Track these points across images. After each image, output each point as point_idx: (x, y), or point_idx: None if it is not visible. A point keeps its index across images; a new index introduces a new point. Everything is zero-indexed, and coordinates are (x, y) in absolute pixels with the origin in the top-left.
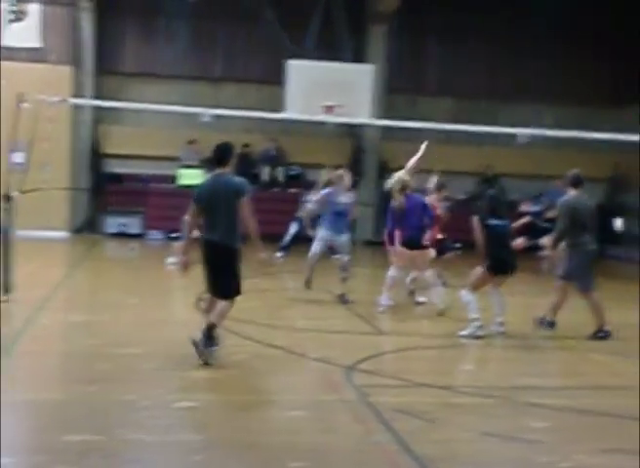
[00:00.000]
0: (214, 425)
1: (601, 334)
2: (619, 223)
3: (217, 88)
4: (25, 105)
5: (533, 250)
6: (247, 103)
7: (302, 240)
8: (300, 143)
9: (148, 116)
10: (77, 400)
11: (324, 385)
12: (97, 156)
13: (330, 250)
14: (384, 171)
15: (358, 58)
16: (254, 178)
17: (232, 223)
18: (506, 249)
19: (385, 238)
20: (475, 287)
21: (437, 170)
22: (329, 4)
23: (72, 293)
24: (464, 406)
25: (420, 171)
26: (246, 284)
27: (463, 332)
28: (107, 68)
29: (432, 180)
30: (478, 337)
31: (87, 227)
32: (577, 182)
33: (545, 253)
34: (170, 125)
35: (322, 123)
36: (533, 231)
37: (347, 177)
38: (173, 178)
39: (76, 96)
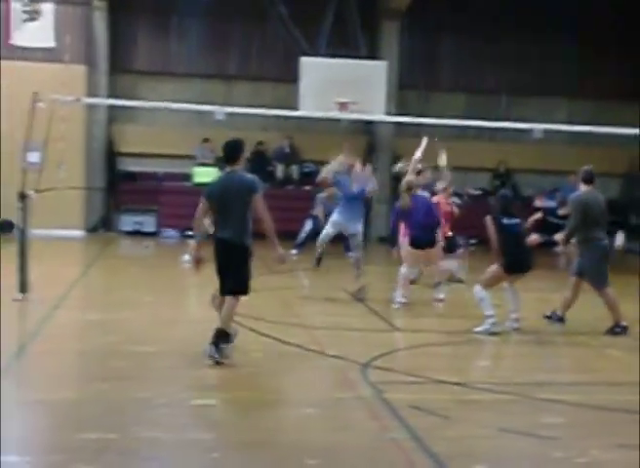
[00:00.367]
0: (229, 423)
1: (618, 330)
2: (620, 239)
3: (230, 86)
4: (40, 105)
5: (548, 246)
6: (262, 101)
7: (317, 237)
8: (315, 141)
9: (162, 114)
10: (93, 398)
11: (340, 382)
12: (111, 155)
13: (344, 245)
14: None
15: (371, 54)
16: (268, 176)
17: (244, 221)
18: (521, 247)
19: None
20: (489, 284)
21: (442, 165)
22: (341, 1)
23: (88, 292)
24: (480, 402)
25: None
26: (260, 281)
27: (478, 329)
28: (121, 67)
29: (442, 158)
30: (493, 334)
31: (102, 226)
32: (588, 178)
33: (560, 248)
34: (184, 123)
35: (336, 120)
36: (547, 227)
37: (358, 164)
38: (187, 176)
39: (90, 95)
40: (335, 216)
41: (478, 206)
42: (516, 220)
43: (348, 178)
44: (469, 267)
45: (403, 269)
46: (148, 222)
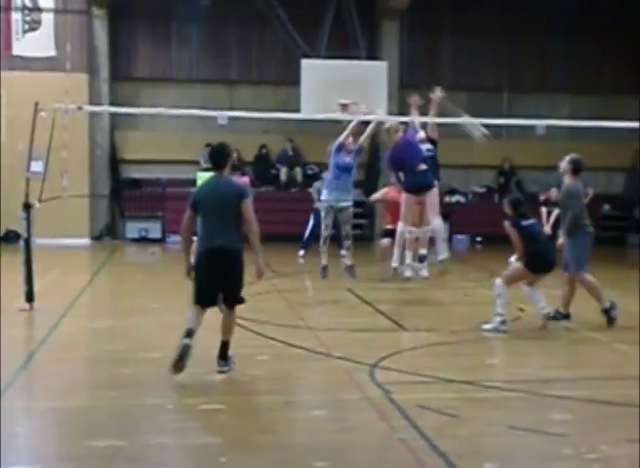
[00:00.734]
0: (237, 427)
1: (609, 313)
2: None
3: (232, 90)
4: (42, 114)
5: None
6: (264, 105)
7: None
8: (318, 143)
9: (164, 121)
10: (101, 405)
11: (347, 384)
12: (114, 162)
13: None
14: None
15: (371, 54)
16: (272, 179)
17: (235, 226)
18: (544, 245)
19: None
20: (511, 281)
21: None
22: (340, 2)
23: (94, 300)
24: (488, 400)
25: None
26: (265, 284)
27: (487, 326)
28: (122, 74)
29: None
30: (501, 332)
31: (107, 233)
32: (579, 169)
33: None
34: (186, 129)
35: (338, 121)
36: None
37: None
38: (191, 182)
39: (92, 103)
40: (325, 196)
41: (482, 203)
42: (533, 220)
43: (341, 152)
44: (476, 266)
45: (400, 227)
46: (154, 229)
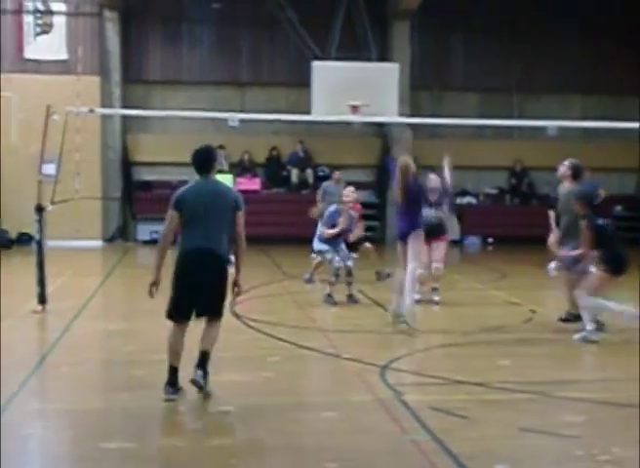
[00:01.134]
0: (248, 428)
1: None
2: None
3: (243, 92)
4: (55, 117)
5: None
6: (275, 107)
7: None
8: (329, 144)
9: (176, 123)
10: (113, 407)
11: (358, 385)
12: (126, 164)
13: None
14: None
15: (382, 55)
16: (283, 181)
17: (226, 235)
18: (620, 245)
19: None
20: (596, 293)
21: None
22: (350, 3)
23: (106, 302)
24: (500, 402)
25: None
26: (275, 287)
27: (577, 336)
28: (134, 77)
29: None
30: (592, 342)
31: (119, 235)
32: (578, 174)
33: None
34: (197, 131)
35: (349, 123)
36: None
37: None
38: None
39: (105, 105)
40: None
41: (494, 205)
42: (606, 219)
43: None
44: (487, 267)
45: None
46: None
